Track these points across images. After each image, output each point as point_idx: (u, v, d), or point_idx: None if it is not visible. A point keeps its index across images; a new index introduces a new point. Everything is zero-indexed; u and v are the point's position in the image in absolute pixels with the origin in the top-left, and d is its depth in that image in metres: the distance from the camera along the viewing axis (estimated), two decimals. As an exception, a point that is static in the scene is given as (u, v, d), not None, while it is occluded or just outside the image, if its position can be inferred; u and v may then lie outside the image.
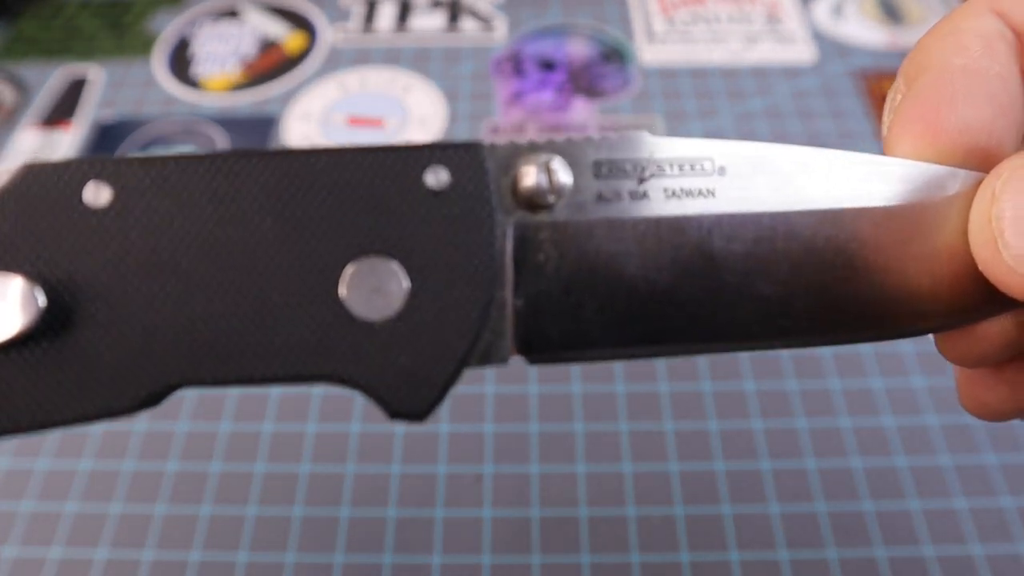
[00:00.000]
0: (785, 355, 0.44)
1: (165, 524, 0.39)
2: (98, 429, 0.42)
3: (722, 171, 0.18)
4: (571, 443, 0.41)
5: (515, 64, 0.62)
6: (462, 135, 0.57)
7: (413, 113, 0.59)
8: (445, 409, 0.41)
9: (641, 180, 0.18)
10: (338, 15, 0.67)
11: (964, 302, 0.19)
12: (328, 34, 0.65)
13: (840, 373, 0.43)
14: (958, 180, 0.18)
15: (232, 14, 0.68)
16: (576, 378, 0.43)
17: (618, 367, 0.44)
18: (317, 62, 0.63)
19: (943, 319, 0.19)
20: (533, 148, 0.17)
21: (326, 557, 0.37)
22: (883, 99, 0.61)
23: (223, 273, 0.16)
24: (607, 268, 0.18)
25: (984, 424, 0.40)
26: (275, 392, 0.43)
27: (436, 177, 0.17)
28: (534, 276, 0.18)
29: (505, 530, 0.38)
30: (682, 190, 0.18)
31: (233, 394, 0.43)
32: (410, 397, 0.17)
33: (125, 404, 0.16)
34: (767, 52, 0.62)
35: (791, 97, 0.59)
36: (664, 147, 0.18)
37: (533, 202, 0.17)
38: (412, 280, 0.17)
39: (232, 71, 0.63)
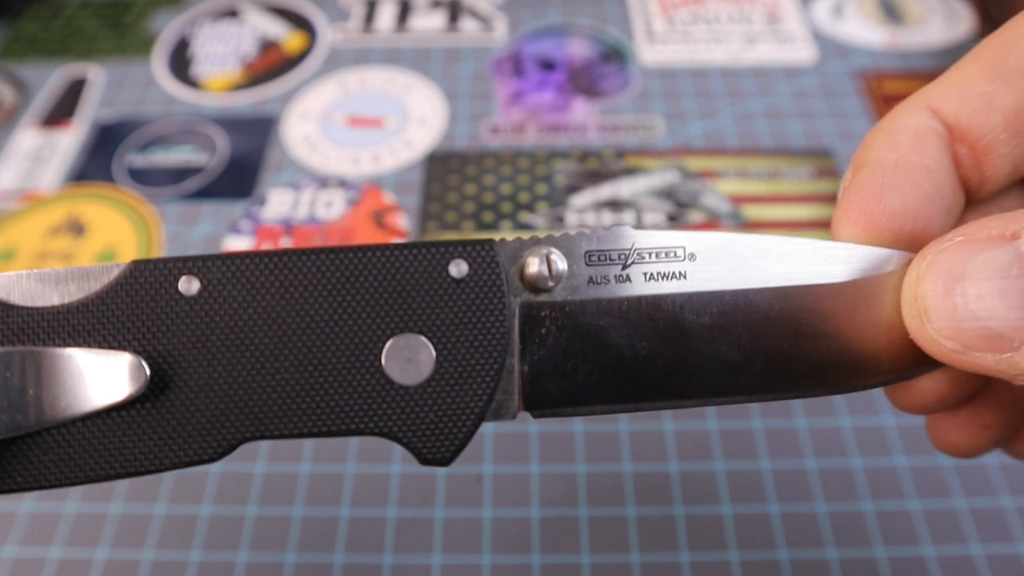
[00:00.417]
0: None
1: (165, 524, 0.39)
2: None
3: (692, 257, 0.21)
4: (571, 443, 0.41)
5: (515, 64, 0.62)
6: (462, 135, 0.57)
7: (413, 113, 0.59)
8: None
9: (625, 266, 0.21)
10: (338, 15, 0.67)
11: (900, 362, 0.22)
12: (328, 34, 0.65)
13: (840, 373, 0.43)
14: (893, 261, 0.22)
15: (232, 14, 0.68)
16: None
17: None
18: (317, 62, 0.63)
19: (884, 376, 0.22)
20: (535, 242, 0.21)
21: (326, 557, 0.37)
22: (883, 99, 0.62)
23: (287, 348, 0.20)
24: (597, 338, 0.21)
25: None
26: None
27: (458, 268, 0.21)
28: (537, 346, 0.21)
29: (505, 530, 0.38)
30: (659, 274, 0.21)
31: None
32: (438, 447, 0.21)
33: (208, 455, 0.20)
34: (767, 52, 0.62)
35: (791, 97, 0.59)
36: (644, 239, 0.21)
37: (536, 286, 0.21)
38: (438, 352, 0.21)
39: (232, 71, 0.63)
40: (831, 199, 0.26)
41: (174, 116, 0.59)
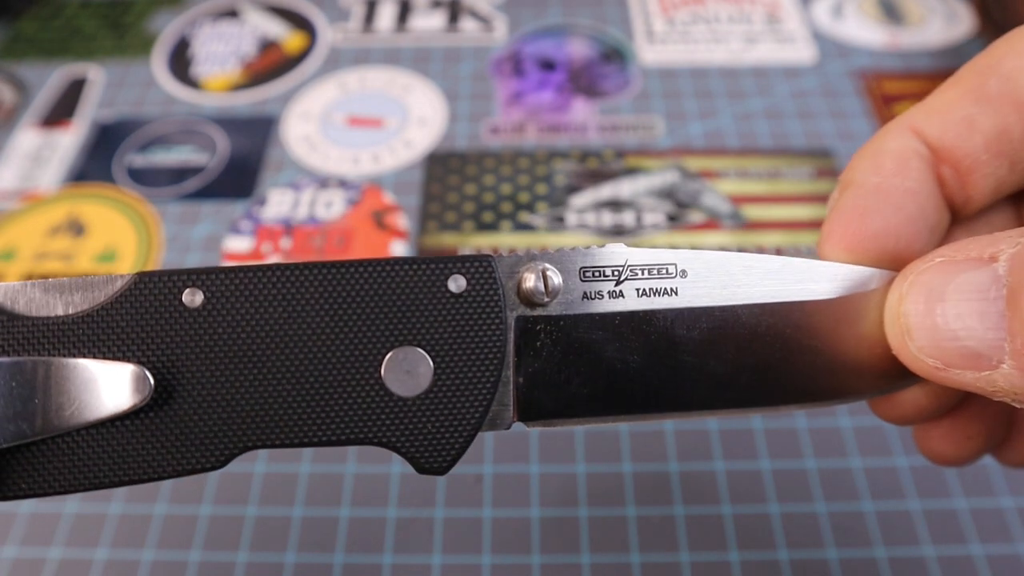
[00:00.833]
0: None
1: (165, 524, 0.39)
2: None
3: (684, 274, 0.22)
4: (571, 443, 0.41)
5: (515, 64, 0.62)
6: (462, 135, 0.57)
7: (413, 113, 0.59)
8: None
9: (618, 282, 0.22)
10: (338, 15, 0.67)
11: (883, 376, 0.23)
12: (328, 34, 0.65)
13: (840, 373, 0.43)
14: (876, 279, 0.23)
15: (232, 14, 0.68)
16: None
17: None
18: (317, 62, 0.63)
19: (867, 390, 0.23)
20: (531, 258, 0.22)
21: (326, 557, 0.37)
22: (883, 99, 0.62)
23: (288, 360, 0.21)
24: (590, 352, 0.22)
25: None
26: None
27: (456, 283, 0.21)
28: (532, 359, 0.22)
29: (505, 530, 0.38)
30: (651, 290, 0.22)
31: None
32: (436, 457, 0.21)
33: (210, 464, 0.20)
34: (767, 52, 0.62)
35: (791, 97, 0.59)
36: (637, 255, 0.22)
37: (532, 301, 0.21)
38: (437, 364, 0.21)
39: (232, 71, 0.63)
40: (828, 203, 0.26)
41: (174, 116, 0.59)
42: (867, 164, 0.24)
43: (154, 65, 0.63)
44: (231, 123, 0.59)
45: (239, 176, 0.55)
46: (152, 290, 0.20)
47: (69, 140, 0.58)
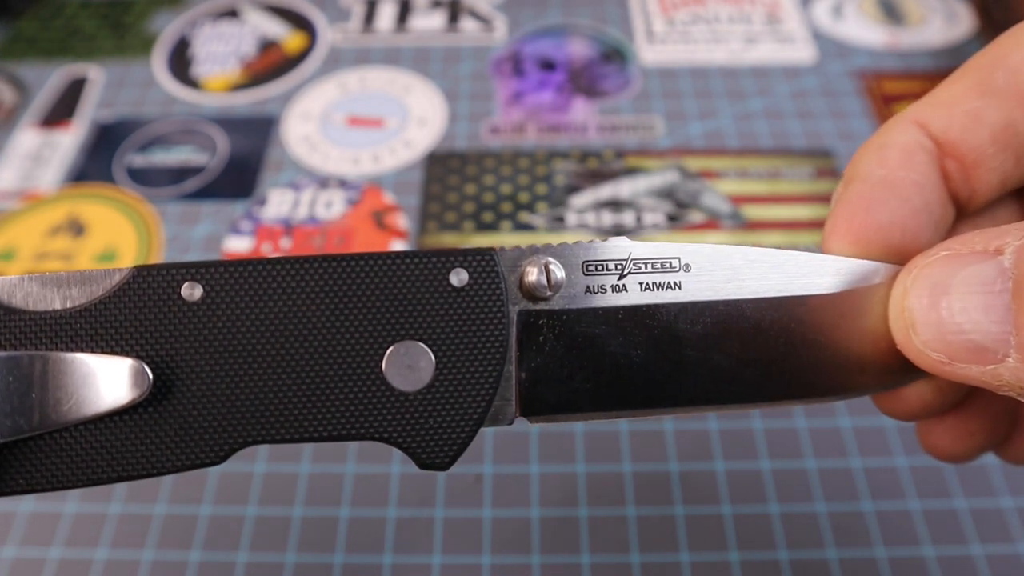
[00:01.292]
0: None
1: (165, 524, 0.39)
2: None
3: (687, 267, 0.22)
4: (571, 443, 0.41)
5: (515, 64, 0.62)
6: (462, 135, 0.57)
7: (413, 113, 0.59)
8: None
9: (621, 276, 0.22)
10: (338, 15, 0.67)
11: (888, 371, 0.23)
12: (328, 34, 0.65)
13: (840, 373, 0.43)
14: (880, 273, 0.22)
15: (232, 14, 0.68)
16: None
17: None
18: (317, 62, 0.63)
19: (872, 385, 0.23)
20: (534, 251, 0.21)
21: (326, 557, 0.37)
22: (883, 99, 0.62)
23: (288, 354, 0.20)
24: (593, 347, 0.22)
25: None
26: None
27: (458, 277, 0.21)
28: (535, 353, 0.22)
29: (505, 530, 0.38)
30: (654, 284, 0.22)
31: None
32: (437, 453, 0.21)
33: (209, 459, 0.20)
34: (767, 52, 0.62)
35: (791, 97, 0.59)
36: (640, 249, 0.22)
37: (534, 295, 0.21)
38: (438, 359, 0.21)
39: (232, 71, 0.63)
40: (831, 199, 0.26)
41: (174, 116, 0.59)
42: (872, 157, 0.24)
43: (154, 65, 0.63)
44: (231, 123, 0.59)
45: (239, 176, 0.55)
46: (151, 284, 0.20)
47: (69, 140, 0.58)
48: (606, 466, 0.40)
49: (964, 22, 0.64)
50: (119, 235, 0.52)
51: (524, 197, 0.53)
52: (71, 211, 0.53)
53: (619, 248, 0.22)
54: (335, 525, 0.38)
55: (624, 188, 0.53)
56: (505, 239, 0.50)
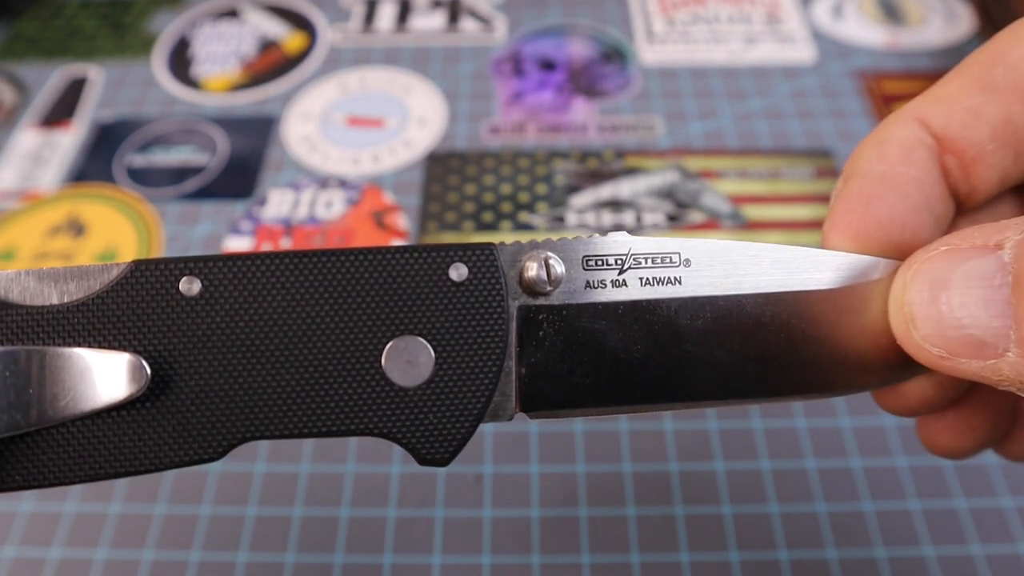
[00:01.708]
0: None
1: (165, 524, 0.39)
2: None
3: (687, 262, 0.22)
4: (571, 443, 0.41)
5: (515, 64, 0.62)
6: (462, 135, 0.57)
7: (413, 113, 0.59)
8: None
9: (621, 271, 0.22)
10: (338, 15, 0.67)
11: (888, 367, 0.23)
12: (328, 34, 0.65)
13: (840, 373, 0.43)
14: (880, 268, 0.22)
15: (232, 14, 0.68)
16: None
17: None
18: (317, 62, 0.63)
19: (872, 380, 0.23)
20: (534, 246, 0.21)
21: (326, 557, 0.37)
22: (883, 99, 0.62)
23: (287, 349, 0.20)
24: (593, 342, 0.22)
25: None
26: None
27: (458, 272, 0.21)
28: (534, 349, 0.21)
29: (505, 530, 0.38)
30: (654, 279, 0.22)
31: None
32: (437, 448, 0.21)
33: (208, 455, 0.20)
34: (767, 52, 0.62)
35: (791, 97, 0.59)
36: (640, 244, 0.22)
37: (534, 290, 0.21)
38: (438, 354, 0.21)
39: (232, 71, 0.63)
40: (830, 199, 0.26)
41: (174, 116, 0.59)
42: (872, 153, 0.24)
43: (154, 65, 0.63)
44: (231, 123, 0.59)
45: (239, 176, 0.55)
46: (149, 278, 0.20)
47: (69, 140, 0.58)
48: (606, 466, 0.40)
49: (964, 22, 0.64)
50: (119, 235, 0.52)
51: (524, 197, 0.53)
52: (71, 211, 0.53)
53: (619, 243, 0.22)
54: (335, 525, 0.38)
55: (624, 188, 0.53)
56: (505, 239, 0.50)
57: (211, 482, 0.40)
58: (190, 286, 0.20)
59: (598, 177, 0.53)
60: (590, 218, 0.51)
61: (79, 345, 0.19)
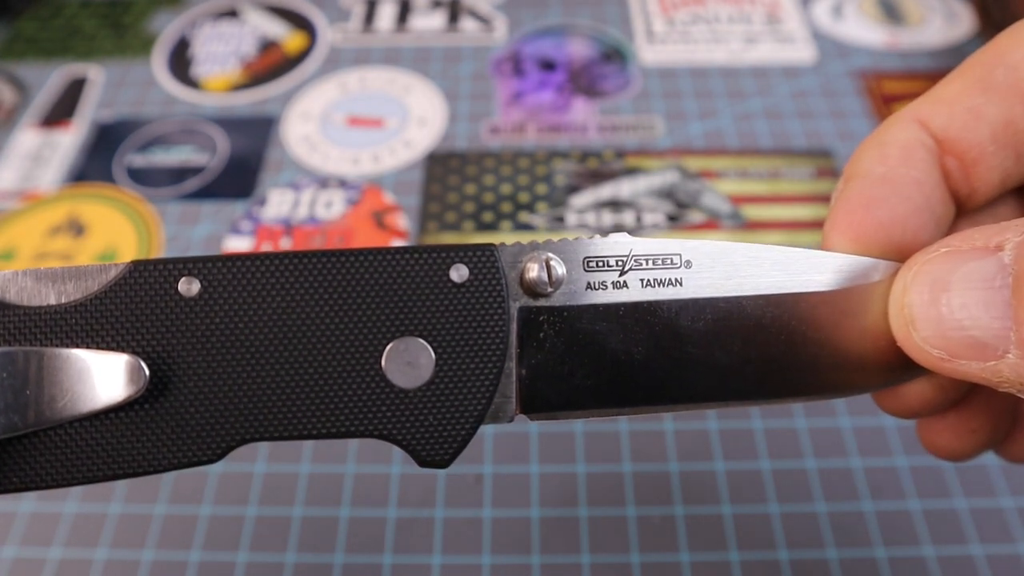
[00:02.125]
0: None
1: (165, 524, 0.39)
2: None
3: (688, 264, 0.22)
4: (571, 443, 0.41)
5: (515, 64, 0.62)
6: (462, 135, 0.57)
7: (413, 113, 0.59)
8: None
9: (622, 272, 0.22)
10: (338, 15, 0.67)
11: (888, 368, 0.23)
12: (328, 34, 0.65)
13: (840, 373, 0.43)
14: (880, 270, 0.22)
15: (232, 14, 0.68)
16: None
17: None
18: (317, 62, 0.63)
19: (872, 382, 0.23)
20: (535, 247, 0.21)
21: (326, 557, 0.37)
22: (883, 99, 0.62)
23: (287, 350, 0.20)
24: (594, 343, 0.21)
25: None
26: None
27: (458, 272, 0.21)
28: (535, 350, 0.21)
29: (505, 530, 0.38)
30: (655, 280, 0.22)
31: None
32: (437, 450, 0.21)
33: (207, 456, 0.20)
34: (767, 52, 0.62)
35: (791, 97, 0.59)
36: (641, 245, 0.22)
37: (535, 291, 0.21)
38: (438, 355, 0.21)
39: (232, 71, 0.63)
40: (831, 199, 0.26)
41: (174, 116, 0.59)
42: (873, 154, 0.24)
43: (154, 65, 0.63)
44: (231, 123, 0.59)
45: (239, 176, 0.55)
46: (147, 279, 0.20)
47: (69, 140, 0.58)
48: (606, 466, 0.40)
49: (964, 22, 0.64)
50: (119, 235, 0.52)
51: (524, 197, 0.53)
52: (71, 211, 0.53)
53: (620, 244, 0.22)
54: (335, 525, 0.38)
55: (624, 188, 0.53)
56: (505, 239, 0.50)
57: (211, 482, 0.40)
58: (189, 287, 0.20)
59: (598, 177, 0.53)
60: (590, 218, 0.51)
61: (77, 346, 0.19)
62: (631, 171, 0.54)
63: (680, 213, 0.51)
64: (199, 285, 0.20)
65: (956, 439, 0.26)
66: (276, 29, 0.66)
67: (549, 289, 0.21)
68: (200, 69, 0.63)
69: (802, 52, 0.62)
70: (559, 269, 0.21)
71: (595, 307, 0.21)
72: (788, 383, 0.22)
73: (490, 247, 0.21)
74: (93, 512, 0.39)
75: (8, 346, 0.19)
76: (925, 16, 0.65)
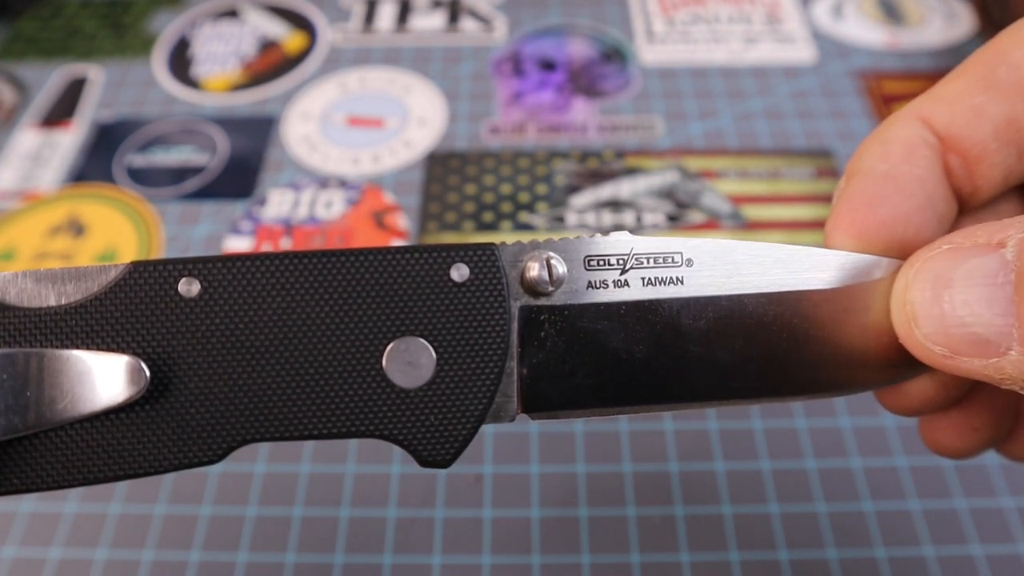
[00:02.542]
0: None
1: (165, 524, 0.39)
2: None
3: (689, 263, 0.22)
4: (571, 443, 0.41)
5: (515, 64, 0.62)
6: (462, 135, 0.57)
7: (413, 113, 0.59)
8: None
9: (623, 271, 0.22)
10: (338, 15, 0.67)
11: (890, 366, 0.23)
12: (328, 34, 0.65)
13: (840, 373, 0.43)
14: (882, 267, 0.22)
15: (232, 14, 0.68)
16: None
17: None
18: (317, 62, 0.63)
19: (874, 380, 0.23)
20: (536, 246, 0.21)
21: (326, 557, 0.37)
22: (883, 99, 0.62)
23: (288, 351, 0.20)
24: (595, 342, 0.21)
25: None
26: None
27: (459, 272, 0.21)
28: (536, 349, 0.21)
29: (505, 530, 0.38)
30: (656, 279, 0.22)
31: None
32: (438, 450, 0.21)
33: (208, 457, 0.20)
34: (767, 52, 0.62)
35: (791, 97, 0.59)
36: (642, 244, 0.22)
37: (536, 290, 0.21)
38: (439, 355, 0.21)
39: (232, 71, 0.63)
40: (831, 199, 0.27)
41: (174, 116, 0.59)
42: (875, 152, 0.24)
43: (154, 65, 0.63)
44: (231, 123, 0.59)
45: (239, 176, 0.55)
46: (147, 280, 0.20)
47: (69, 140, 0.58)
48: (606, 466, 0.40)
49: (964, 22, 0.64)
50: (119, 235, 0.52)
51: (524, 197, 0.53)
52: (71, 211, 0.53)
53: (621, 243, 0.22)
54: (335, 525, 0.38)
55: (624, 188, 0.53)
56: (505, 239, 0.50)
57: (211, 482, 0.40)
58: (189, 287, 0.20)
59: (598, 177, 0.53)
60: (590, 218, 0.51)
61: (77, 347, 0.19)
62: (631, 171, 0.54)
63: (680, 213, 0.51)
64: (199, 286, 0.20)
65: (958, 437, 0.26)
66: (276, 29, 0.66)
67: (550, 288, 0.21)
68: (200, 69, 0.63)
69: (802, 52, 0.62)
70: (560, 268, 0.21)
71: (596, 306, 0.21)
72: (790, 381, 0.22)
73: (491, 246, 0.21)
74: (93, 512, 0.39)
75: (8, 347, 0.19)
76: (925, 16, 0.65)
